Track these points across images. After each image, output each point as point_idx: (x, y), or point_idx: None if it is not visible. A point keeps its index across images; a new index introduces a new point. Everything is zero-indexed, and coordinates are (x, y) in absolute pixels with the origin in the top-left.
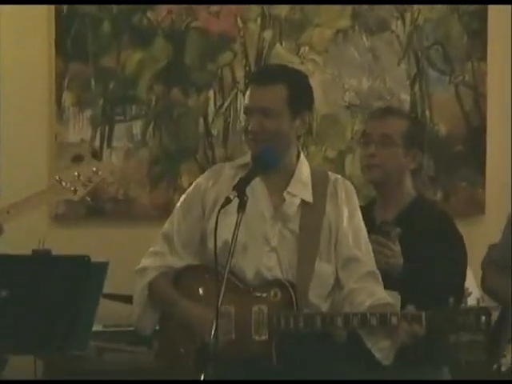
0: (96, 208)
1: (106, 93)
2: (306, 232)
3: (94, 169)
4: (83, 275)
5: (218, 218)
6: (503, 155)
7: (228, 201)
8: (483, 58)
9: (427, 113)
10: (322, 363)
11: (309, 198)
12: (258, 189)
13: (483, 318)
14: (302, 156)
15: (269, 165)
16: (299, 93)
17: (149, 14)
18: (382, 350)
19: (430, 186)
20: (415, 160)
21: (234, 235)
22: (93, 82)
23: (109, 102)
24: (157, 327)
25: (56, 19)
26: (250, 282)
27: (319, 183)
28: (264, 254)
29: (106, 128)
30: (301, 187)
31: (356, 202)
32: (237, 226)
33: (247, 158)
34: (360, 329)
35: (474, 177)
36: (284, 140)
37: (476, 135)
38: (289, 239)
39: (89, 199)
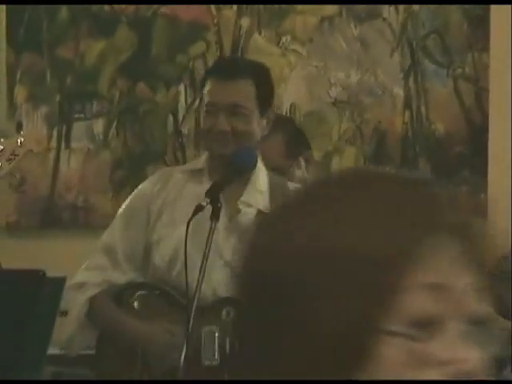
0: (52, 216)
1: (63, 87)
2: None
3: (19, 141)
4: (37, 292)
5: (187, 229)
6: (507, 156)
7: (200, 208)
8: (485, 48)
9: (423, 110)
10: None
11: (266, 208)
12: None
13: None
14: (260, 161)
15: (248, 167)
16: (266, 88)
17: None
18: None
19: None
20: None
21: (207, 247)
22: (48, 76)
23: (66, 97)
24: (92, 351)
25: (6, 5)
26: (201, 299)
27: (278, 194)
28: (217, 268)
29: (64, 127)
30: (257, 196)
31: None
32: (209, 236)
33: (199, 162)
34: None
35: (475, 181)
36: (252, 141)
37: (477, 134)
38: None
39: (17, 176)
